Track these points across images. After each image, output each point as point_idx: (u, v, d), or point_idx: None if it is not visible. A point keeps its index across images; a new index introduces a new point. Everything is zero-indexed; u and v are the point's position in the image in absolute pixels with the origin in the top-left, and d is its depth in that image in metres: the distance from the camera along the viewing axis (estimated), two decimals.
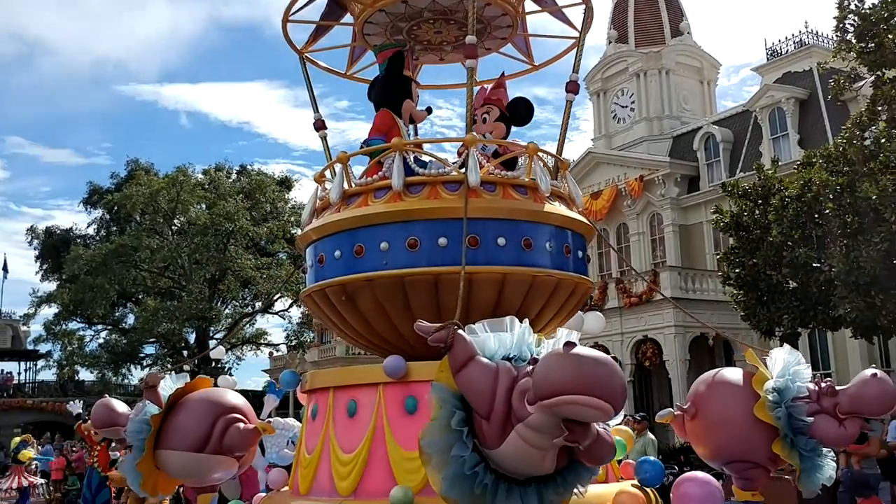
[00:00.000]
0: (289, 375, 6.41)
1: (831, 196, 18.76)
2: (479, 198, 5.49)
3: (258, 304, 54.23)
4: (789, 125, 32.77)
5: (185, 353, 48.46)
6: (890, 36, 17.75)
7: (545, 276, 5.64)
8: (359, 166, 6.27)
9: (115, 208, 51.29)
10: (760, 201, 21.50)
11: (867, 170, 17.81)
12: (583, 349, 3.59)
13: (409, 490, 4.78)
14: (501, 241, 5.45)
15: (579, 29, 6.88)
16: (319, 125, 6.99)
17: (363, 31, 6.95)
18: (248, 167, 57.95)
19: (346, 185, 5.84)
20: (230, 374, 35.57)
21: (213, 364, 43.02)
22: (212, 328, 51.07)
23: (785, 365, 5.72)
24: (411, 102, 6.48)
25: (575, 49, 6.88)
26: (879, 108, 18.65)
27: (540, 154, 5.86)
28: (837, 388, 5.67)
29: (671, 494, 5.15)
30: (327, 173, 6.43)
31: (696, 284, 30.63)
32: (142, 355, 51.36)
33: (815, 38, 34.64)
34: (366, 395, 5.42)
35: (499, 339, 4.15)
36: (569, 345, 3.60)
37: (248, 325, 53.39)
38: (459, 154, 6.23)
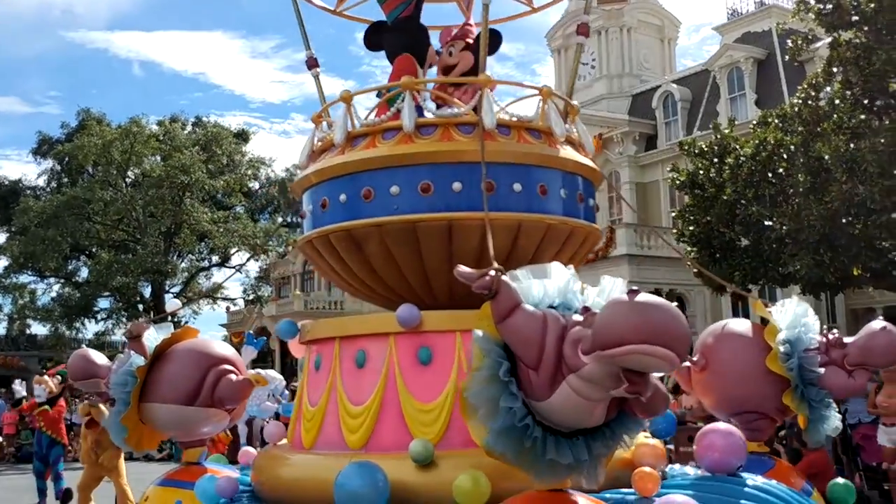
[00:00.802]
0: (286, 325, 6.18)
1: (785, 155, 18.98)
2: (494, 141, 5.25)
3: (214, 258, 53.70)
4: (747, 85, 33.05)
5: (140, 306, 47.84)
6: None
7: (560, 224, 5.47)
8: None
9: (67, 159, 50.30)
10: (716, 160, 21.67)
11: (820, 130, 18.01)
12: (647, 296, 3.39)
13: (429, 443, 4.64)
14: (517, 186, 5.25)
15: None
16: (312, 63, 6.64)
17: None
18: (204, 119, 57.25)
19: (350, 126, 5.60)
20: None
21: (169, 318, 42.44)
22: (167, 282, 50.49)
23: (795, 316, 5.68)
24: (433, 48, 6.27)
25: None
26: (835, 70, 18.82)
27: (553, 98, 5.67)
28: (845, 339, 5.65)
29: (695, 446, 5.09)
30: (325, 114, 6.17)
31: (651, 241, 30.93)
32: (96, 309, 50.78)
33: None
34: (376, 345, 5.21)
35: (543, 287, 3.94)
36: (633, 292, 3.39)
37: (204, 279, 52.89)
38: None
